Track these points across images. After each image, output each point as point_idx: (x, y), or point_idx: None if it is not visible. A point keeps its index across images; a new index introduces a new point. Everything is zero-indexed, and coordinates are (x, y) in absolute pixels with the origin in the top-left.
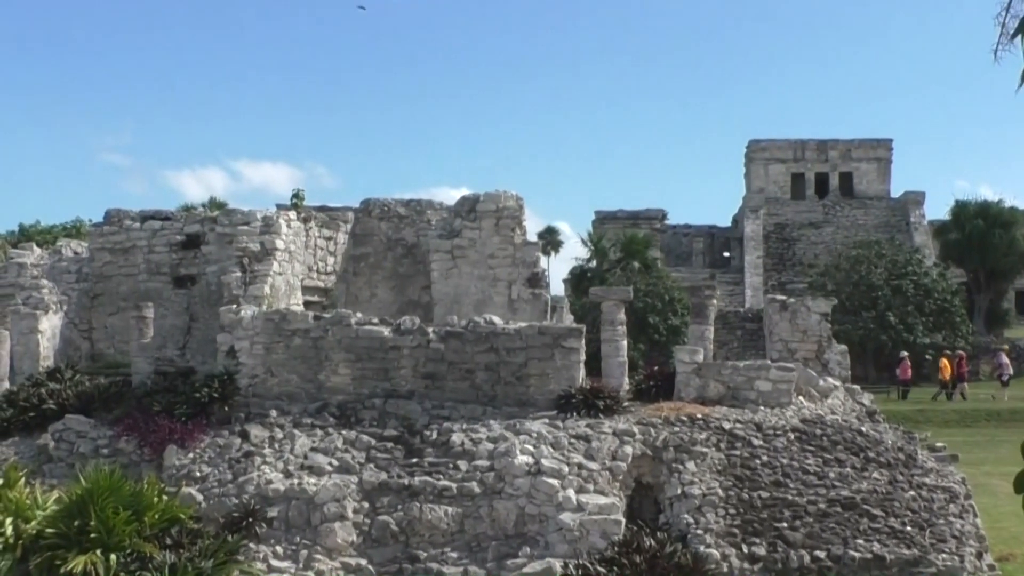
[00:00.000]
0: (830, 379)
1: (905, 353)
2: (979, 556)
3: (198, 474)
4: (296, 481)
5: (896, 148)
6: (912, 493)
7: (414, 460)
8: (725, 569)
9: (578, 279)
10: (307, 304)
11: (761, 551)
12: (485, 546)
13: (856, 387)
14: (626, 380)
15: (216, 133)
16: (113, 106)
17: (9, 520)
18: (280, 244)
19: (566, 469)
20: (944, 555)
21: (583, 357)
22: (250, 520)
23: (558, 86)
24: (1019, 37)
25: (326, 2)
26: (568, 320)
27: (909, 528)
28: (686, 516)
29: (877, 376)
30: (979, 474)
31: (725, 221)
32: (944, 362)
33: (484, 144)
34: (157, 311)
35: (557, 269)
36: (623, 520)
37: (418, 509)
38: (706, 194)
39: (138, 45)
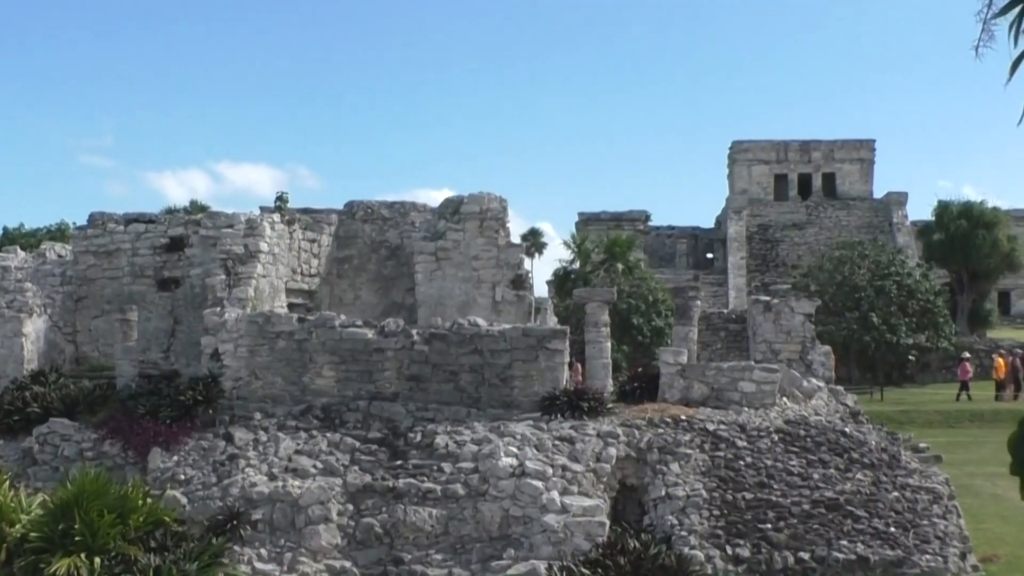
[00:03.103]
0: (814, 380)
1: (967, 354)
2: (963, 557)
3: (182, 477)
4: (280, 483)
5: (879, 149)
6: (896, 494)
7: (398, 462)
8: (709, 570)
9: (561, 281)
10: (291, 306)
11: (745, 552)
12: (469, 548)
13: (840, 388)
14: (610, 381)
15: (197, 135)
16: (92, 107)
17: None
18: (264, 246)
19: (550, 471)
20: (928, 556)
21: (567, 359)
22: (234, 523)
23: (541, 87)
24: (1005, 27)
25: (307, 2)
26: (552, 322)
27: (893, 529)
28: (670, 517)
29: (861, 377)
30: (962, 475)
31: (708, 222)
32: (999, 361)
33: (467, 145)
34: (141, 314)
35: (540, 271)
36: (607, 522)
37: (402, 511)
38: (689, 195)
39: (116, 45)
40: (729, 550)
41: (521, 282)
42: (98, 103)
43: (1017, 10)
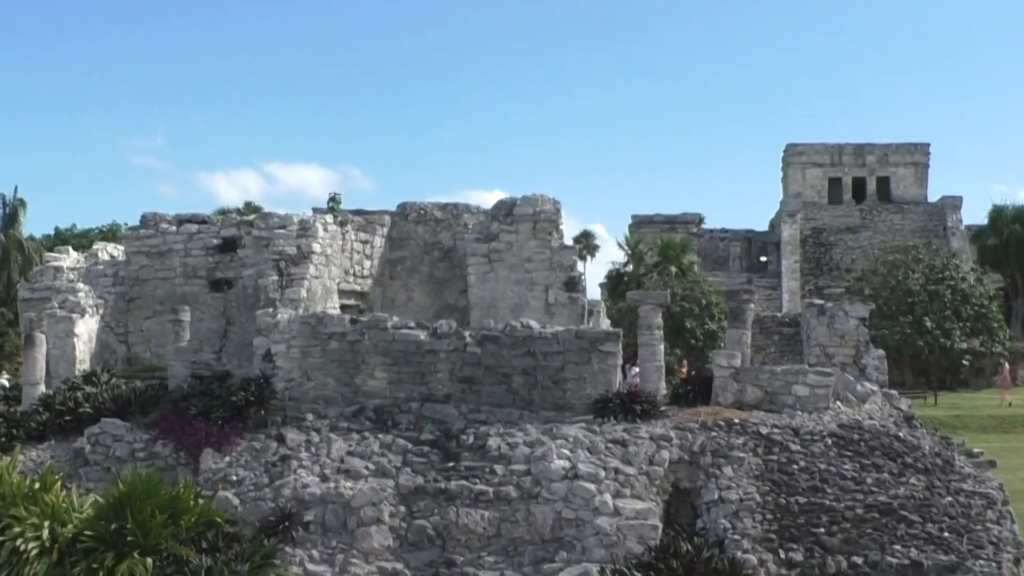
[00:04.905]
0: (868, 384)
1: None
2: (1016, 562)
3: (234, 478)
4: (333, 485)
5: (933, 152)
6: (949, 499)
7: (451, 464)
8: (762, 574)
9: (615, 283)
10: (343, 308)
11: (798, 556)
12: (522, 550)
13: (893, 392)
14: (663, 384)
15: (248, 135)
16: (143, 108)
17: (46, 523)
18: (317, 248)
19: (603, 474)
20: (981, 561)
21: (620, 361)
22: (286, 524)
23: (595, 90)
24: None
25: (359, 3)
26: (604, 324)
27: (946, 534)
28: (723, 521)
29: (914, 381)
30: (1016, 480)
31: (762, 226)
32: None
33: (519, 147)
34: (193, 315)
35: (593, 273)
36: (660, 525)
37: (455, 513)
38: (743, 198)
39: (169, 46)
40: (782, 554)
41: (574, 284)
42: (150, 104)
43: None
